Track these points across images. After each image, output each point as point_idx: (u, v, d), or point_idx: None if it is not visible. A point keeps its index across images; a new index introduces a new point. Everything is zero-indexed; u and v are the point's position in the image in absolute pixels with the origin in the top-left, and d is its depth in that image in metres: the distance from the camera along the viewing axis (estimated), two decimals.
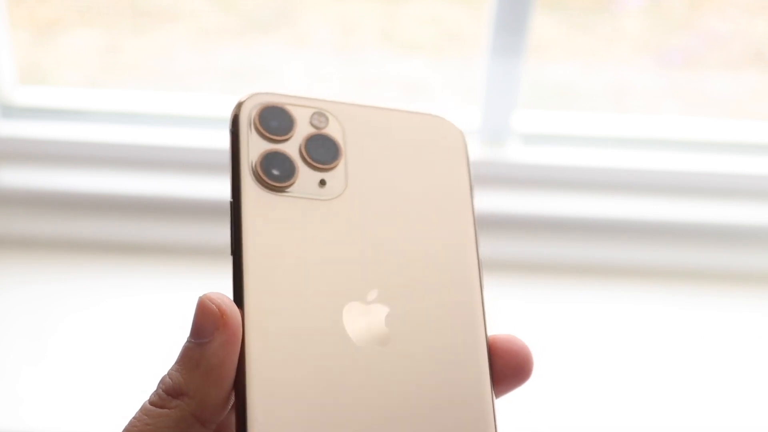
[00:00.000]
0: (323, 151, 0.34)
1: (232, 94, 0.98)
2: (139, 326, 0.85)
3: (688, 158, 0.97)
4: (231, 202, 0.33)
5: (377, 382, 0.31)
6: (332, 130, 0.35)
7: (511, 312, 0.89)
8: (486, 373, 0.33)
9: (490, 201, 0.94)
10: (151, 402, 0.30)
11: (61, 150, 0.94)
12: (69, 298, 0.88)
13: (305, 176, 0.34)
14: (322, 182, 0.34)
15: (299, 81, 1.03)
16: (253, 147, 0.34)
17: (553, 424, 0.81)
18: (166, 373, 0.31)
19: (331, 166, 0.34)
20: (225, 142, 0.34)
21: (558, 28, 1.05)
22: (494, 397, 0.33)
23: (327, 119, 0.35)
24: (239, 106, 0.34)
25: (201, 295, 0.31)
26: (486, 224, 1.02)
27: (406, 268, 0.33)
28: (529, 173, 0.95)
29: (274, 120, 0.34)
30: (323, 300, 0.32)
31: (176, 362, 0.31)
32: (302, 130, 0.34)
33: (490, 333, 0.34)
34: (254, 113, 0.34)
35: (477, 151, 0.95)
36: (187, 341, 0.31)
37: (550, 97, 1.05)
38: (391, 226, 0.34)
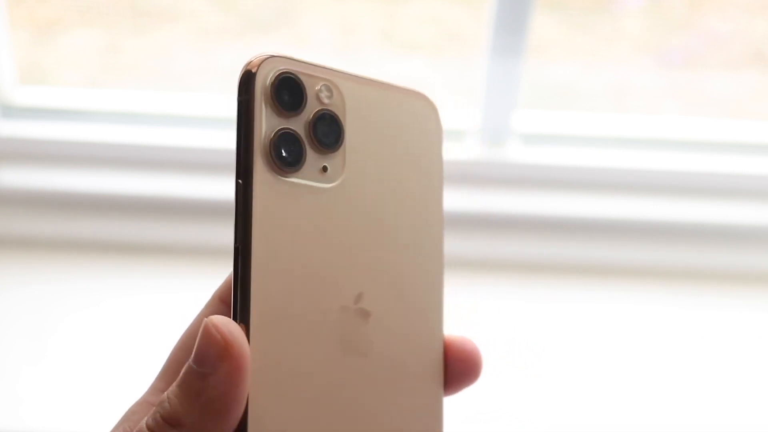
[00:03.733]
0: (329, 133, 0.33)
1: (232, 94, 0.98)
2: (139, 326, 0.85)
3: (688, 158, 0.97)
4: (238, 184, 0.31)
5: (357, 397, 0.32)
6: (335, 106, 0.33)
7: (511, 312, 0.89)
8: (440, 379, 0.34)
9: (490, 201, 0.94)
10: (147, 425, 0.29)
11: (61, 150, 0.94)
12: (69, 298, 0.88)
13: (310, 161, 0.32)
14: (324, 168, 0.32)
15: None
16: (267, 123, 0.31)
17: (553, 423, 0.81)
18: (165, 393, 0.30)
19: (334, 149, 0.33)
20: (232, 109, 0.32)
21: (558, 28, 1.05)
22: (443, 399, 0.34)
23: (332, 93, 0.33)
24: (253, 71, 0.31)
25: (206, 318, 0.29)
26: (486, 224, 1.02)
27: (387, 268, 0.33)
28: (529, 173, 0.95)
29: (287, 92, 0.32)
30: (320, 306, 0.31)
31: (177, 385, 0.29)
32: (311, 105, 0.32)
33: (446, 333, 0.35)
34: (269, 83, 0.31)
35: (477, 151, 0.95)
36: (190, 365, 0.29)
37: (550, 97, 1.05)
38: (377, 223, 0.33)
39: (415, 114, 0.35)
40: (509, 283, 0.92)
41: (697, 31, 1.07)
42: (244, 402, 0.29)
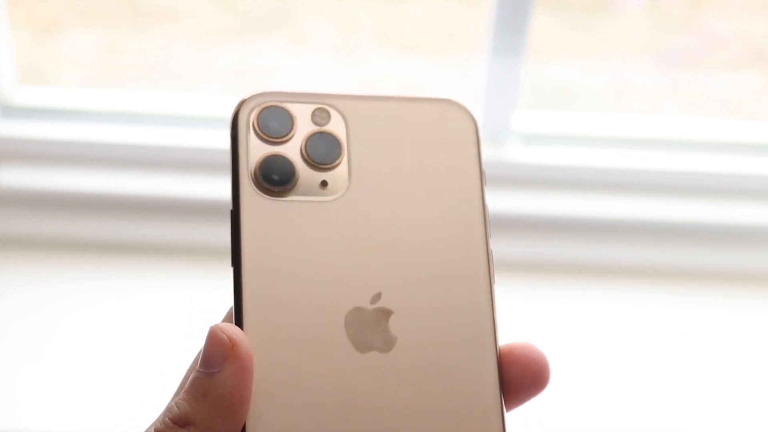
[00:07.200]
0: (324, 150, 0.34)
1: (232, 94, 0.98)
2: (139, 326, 0.85)
3: (688, 158, 0.97)
4: (231, 211, 0.33)
5: (381, 395, 0.31)
6: (334, 127, 0.34)
7: (512, 312, 0.89)
8: (494, 381, 0.33)
9: (490, 201, 0.94)
10: (156, 429, 0.30)
11: (61, 150, 0.94)
12: (69, 298, 0.88)
13: (306, 178, 0.33)
14: (324, 183, 0.33)
15: (299, 81, 1.03)
16: (252, 151, 0.33)
17: (553, 423, 0.81)
18: (173, 401, 0.30)
19: (333, 164, 0.34)
20: (225, 143, 0.34)
21: (558, 28, 1.05)
22: (504, 406, 0.33)
23: (329, 115, 0.34)
24: (239, 107, 0.34)
25: (212, 325, 0.30)
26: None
27: (411, 270, 0.33)
28: (529, 173, 0.95)
29: (274, 121, 0.34)
30: (324, 310, 0.31)
31: (184, 391, 0.30)
32: (303, 129, 0.34)
33: (505, 341, 0.33)
34: (253, 115, 0.34)
35: None
36: (197, 371, 0.30)
37: (550, 97, 1.05)
38: (395, 226, 0.33)
39: (443, 123, 0.36)
40: (509, 283, 0.92)
41: (697, 31, 1.07)
42: (251, 402, 0.30)
